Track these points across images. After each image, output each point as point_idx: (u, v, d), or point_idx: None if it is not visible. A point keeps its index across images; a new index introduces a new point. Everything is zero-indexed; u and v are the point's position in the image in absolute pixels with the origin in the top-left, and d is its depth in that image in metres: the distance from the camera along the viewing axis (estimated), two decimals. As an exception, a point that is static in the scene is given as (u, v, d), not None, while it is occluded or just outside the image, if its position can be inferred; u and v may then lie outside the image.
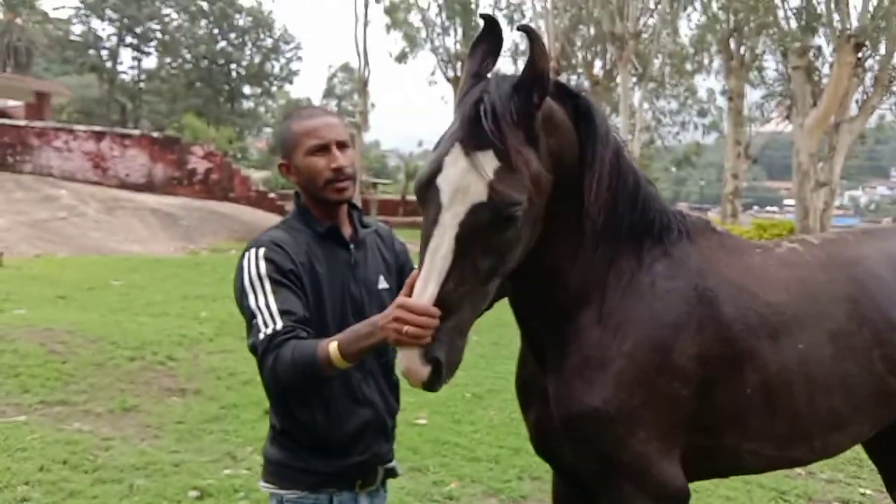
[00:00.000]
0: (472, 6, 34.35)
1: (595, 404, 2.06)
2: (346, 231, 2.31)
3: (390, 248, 2.46)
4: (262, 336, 2.00)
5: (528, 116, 1.82)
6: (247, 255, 2.15)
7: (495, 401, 6.56)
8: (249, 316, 2.07)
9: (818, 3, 19.90)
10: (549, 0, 25.66)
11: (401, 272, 2.42)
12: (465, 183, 1.75)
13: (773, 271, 2.36)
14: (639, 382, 2.08)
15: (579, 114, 2.02)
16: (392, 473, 2.36)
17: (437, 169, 1.81)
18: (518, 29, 1.99)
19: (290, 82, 57.54)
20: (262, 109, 58.01)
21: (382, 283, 2.33)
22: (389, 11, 34.66)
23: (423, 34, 35.33)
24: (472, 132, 1.77)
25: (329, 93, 57.37)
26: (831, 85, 18.48)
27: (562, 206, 1.99)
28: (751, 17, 21.97)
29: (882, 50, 20.04)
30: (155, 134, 27.88)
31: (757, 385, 2.20)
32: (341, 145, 2.21)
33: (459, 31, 35.06)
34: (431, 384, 1.77)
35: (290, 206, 2.39)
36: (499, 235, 1.79)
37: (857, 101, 21.09)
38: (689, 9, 27.32)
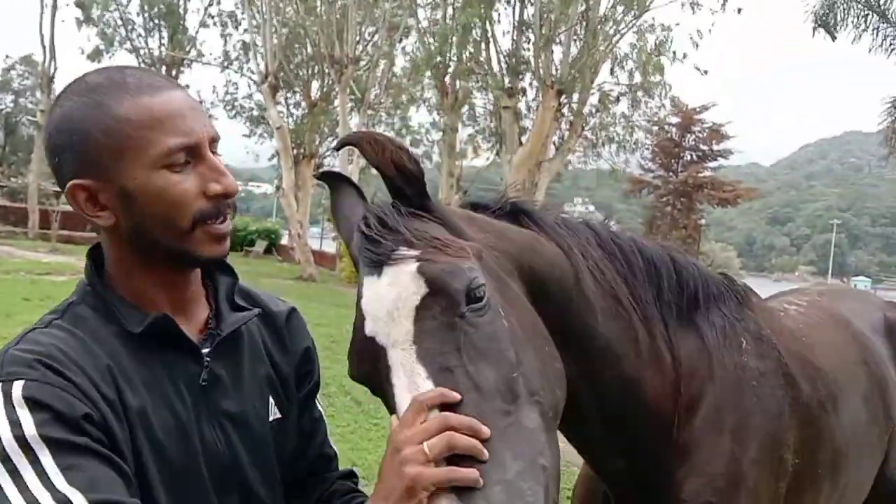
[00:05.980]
0: (180, 9, 31.96)
1: None
2: (196, 319, 1.30)
3: (285, 334, 1.45)
4: None
5: (420, 211, 1.31)
6: None
7: None
8: None
9: (525, 50, 21.49)
10: (264, 13, 24.28)
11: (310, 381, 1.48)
12: (392, 296, 1.20)
13: (809, 336, 2.13)
14: (766, 494, 1.74)
15: (510, 216, 1.58)
16: None
17: (360, 318, 1.23)
18: (321, 177, 1.56)
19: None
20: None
21: (274, 412, 1.35)
22: (82, 5, 30.70)
23: (123, 33, 32.04)
24: (374, 252, 1.23)
25: (4, 86, 50.58)
26: (536, 126, 20.09)
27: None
28: (462, 55, 22.83)
29: (576, 98, 22.00)
30: None
31: (826, 464, 1.98)
32: (214, 144, 1.25)
33: (164, 33, 32.46)
34: None
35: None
36: (475, 327, 1.20)
37: (554, 143, 23.03)
38: (405, 41, 27.85)
